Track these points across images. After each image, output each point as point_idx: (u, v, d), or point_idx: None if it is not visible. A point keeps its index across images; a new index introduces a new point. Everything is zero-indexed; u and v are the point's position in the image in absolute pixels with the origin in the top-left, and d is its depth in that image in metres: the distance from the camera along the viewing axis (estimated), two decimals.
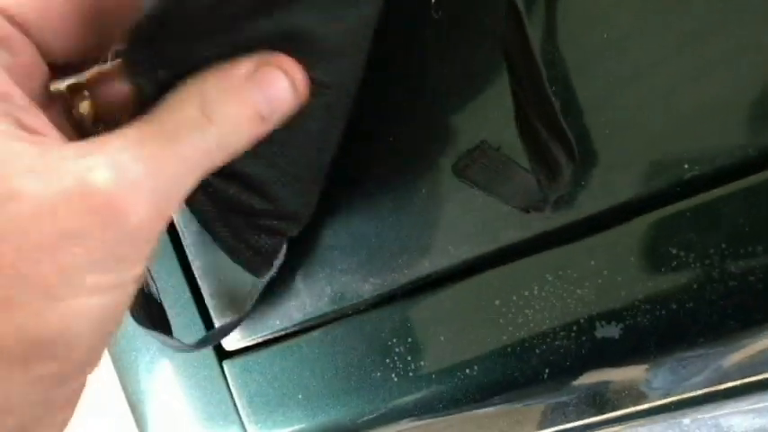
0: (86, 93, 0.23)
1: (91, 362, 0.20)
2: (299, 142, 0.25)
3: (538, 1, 0.26)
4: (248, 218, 0.26)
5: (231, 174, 0.24)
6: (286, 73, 0.22)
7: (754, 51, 0.23)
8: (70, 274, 0.18)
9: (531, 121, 0.25)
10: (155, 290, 0.34)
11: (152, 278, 0.34)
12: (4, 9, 0.20)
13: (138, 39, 0.21)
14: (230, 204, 0.26)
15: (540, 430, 0.32)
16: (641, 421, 0.31)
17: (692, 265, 0.25)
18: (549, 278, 0.27)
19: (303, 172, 0.26)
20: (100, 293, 0.19)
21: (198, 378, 0.37)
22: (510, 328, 0.28)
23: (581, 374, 0.28)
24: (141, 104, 0.21)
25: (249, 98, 0.21)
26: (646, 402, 0.29)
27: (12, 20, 0.20)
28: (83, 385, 0.22)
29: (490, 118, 0.27)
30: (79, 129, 0.23)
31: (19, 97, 0.19)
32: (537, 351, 0.28)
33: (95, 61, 0.23)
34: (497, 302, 0.28)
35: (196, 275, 0.36)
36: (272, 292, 0.33)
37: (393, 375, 0.31)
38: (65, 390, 0.20)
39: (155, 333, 0.32)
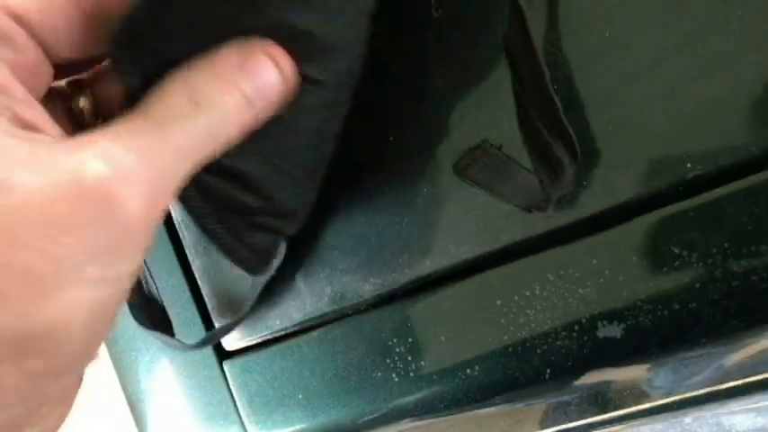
0: (86, 89, 0.23)
1: (85, 357, 0.20)
2: (294, 139, 0.25)
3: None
4: (243, 216, 0.26)
5: (225, 171, 0.24)
6: (273, 59, 0.22)
7: (757, 50, 0.23)
8: (63, 266, 0.17)
9: (532, 121, 0.25)
10: (155, 290, 0.34)
11: (152, 278, 0.34)
12: (9, 8, 0.20)
13: (123, 36, 0.21)
14: (225, 202, 0.25)
15: (541, 430, 0.32)
16: (643, 420, 0.31)
17: (695, 265, 0.25)
18: (551, 278, 0.27)
19: (299, 169, 0.26)
20: (94, 286, 0.18)
21: (198, 378, 0.37)
22: (511, 328, 0.28)
23: (583, 374, 0.28)
24: (131, 101, 0.21)
25: (235, 84, 0.21)
26: (648, 402, 0.29)
27: (18, 20, 0.20)
28: (79, 380, 0.21)
29: (491, 117, 0.27)
30: (80, 126, 0.23)
31: (19, 92, 0.19)
32: (538, 351, 0.28)
33: (100, 61, 0.23)
34: (498, 302, 0.28)
35: (196, 275, 0.36)
36: (273, 292, 0.33)
37: (394, 375, 0.31)
38: (58, 385, 0.19)
39: (156, 333, 0.32)
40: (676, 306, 0.25)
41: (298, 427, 0.34)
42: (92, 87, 0.24)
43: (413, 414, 0.31)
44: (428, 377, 0.30)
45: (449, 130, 0.28)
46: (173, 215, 0.36)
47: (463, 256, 0.29)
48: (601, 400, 0.29)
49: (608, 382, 0.29)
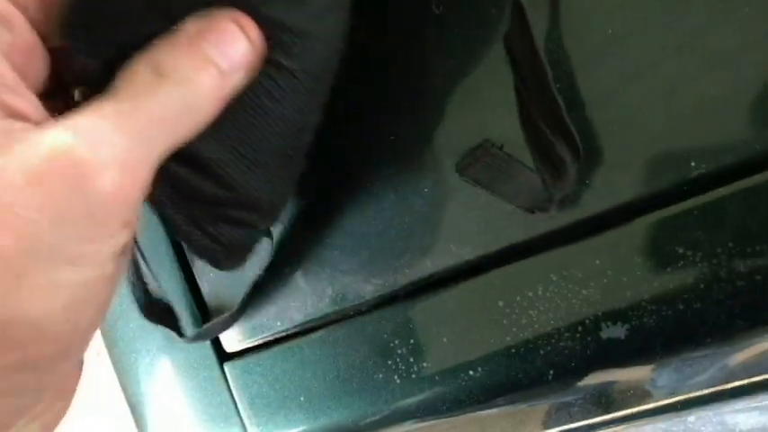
0: None
1: (72, 347, 0.19)
2: (259, 126, 0.24)
3: None
4: (205, 205, 0.25)
5: (186, 157, 0.23)
6: (237, 23, 0.21)
7: (762, 48, 0.23)
8: (36, 245, 0.17)
9: (534, 120, 0.25)
10: (154, 286, 0.34)
11: (150, 271, 0.34)
12: None
13: (75, 16, 0.21)
14: (186, 190, 0.24)
15: (544, 430, 0.32)
16: (646, 420, 0.30)
17: (699, 265, 0.25)
18: (554, 278, 0.27)
19: (266, 159, 0.25)
20: (73, 268, 0.18)
21: (199, 380, 0.36)
22: (514, 329, 0.28)
23: (586, 375, 0.28)
24: (93, 85, 0.21)
25: (202, 52, 0.20)
26: (651, 402, 0.29)
27: (15, 2, 0.20)
28: (77, 374, 0.21)
29: (493, 116, 0.27)
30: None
31: (9, 78, 0.19)
32: (541, 352, 0.27)
33: None
34: (501, 303, 0.28)
35: (195, 275, 0.36)
36: (273, 293, 0.33)
37: (395, 377, 0.31)
38: (46, 378, 0.19)
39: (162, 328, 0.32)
40: (681, 306, 0.25)
41: (299, 428, 0.34)
42: None
43: (415, 416, 0.31)
44: (430, 378, 0.30)
45: (450, 130, 0.28)
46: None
47: (465, 256, 0.28)
48: (604, 400, 0.29)
49: (612, 383, 0.28)
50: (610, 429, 0.31)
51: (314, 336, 0.33)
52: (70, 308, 0.18)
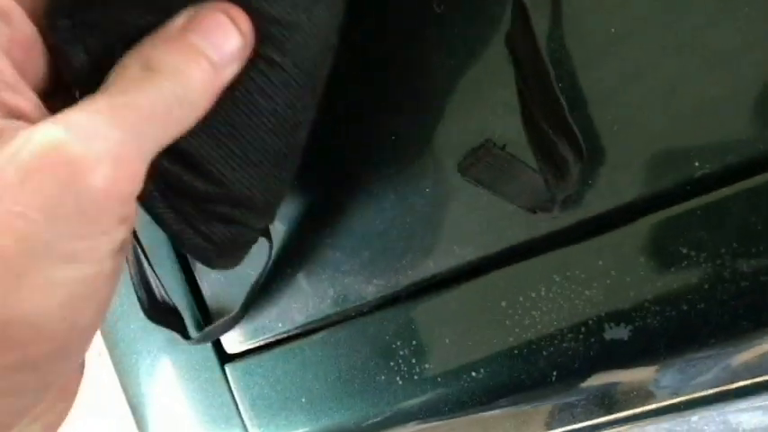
0: None
1: (70, 345, 0.19)
2: (251, 122, 0.23)
3: None
4: (196, 202, 0.25)
5: (178, 153, 0.23)
6: (228, 14, 0.21)
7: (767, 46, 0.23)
8: (32, 244, 0.16)
9: (537, 119, 0.24)
10: (156, 287, 0.34)
11: (154, 272, 0.34)
12: None
13: (58, 6, 0.20)
14: (178, 187, 0.24)
15: (547, 431, 0.32)
16: (650, 421, 0.30)
17: (703, 265, 0.25)
18: (557, 279, 0.27)
19: (259, 156, 0.24)
20: (70, 265, 0.17)
21: (200, 381, 0.36)
22: (516, 330, 0.28)
23: (589, 376, 0.27)
24: (81, 78, 0.21)
25: (193, 45, 0.20)
26: (654, 402, 0.29)
27: None
28: (79, 374, 0.21)
29: (495, 116, 0.27)
30: None
31: (8, 74, 0.19)
32: (544, 353, 0.27)
33: None
34: (503, 304, 0.28)
35: (196, 276, 0.35)
36: (274, 294, 0.33)
37: (398, 378, 0.30)
38: (46, 378, 0.18)
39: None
40: (684, 307, 0.25)
41: (300, 430, 0.34)
42: None
43: (417, 417, 0.31)
44: (433, 380, 0.30)
45: (452, 130, 0.28)
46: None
47: (467, 256, 0.28)
48: (607, 401, 0.29)
49: (615, 384, 0.28)
50: (613, 430, 0.31)
51: (315, 337, 0.33)
52: (67, 306, 0.18)
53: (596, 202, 0.26)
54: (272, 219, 0.28)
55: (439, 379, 0.30)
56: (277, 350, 0.34)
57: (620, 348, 0.26)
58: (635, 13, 0.24)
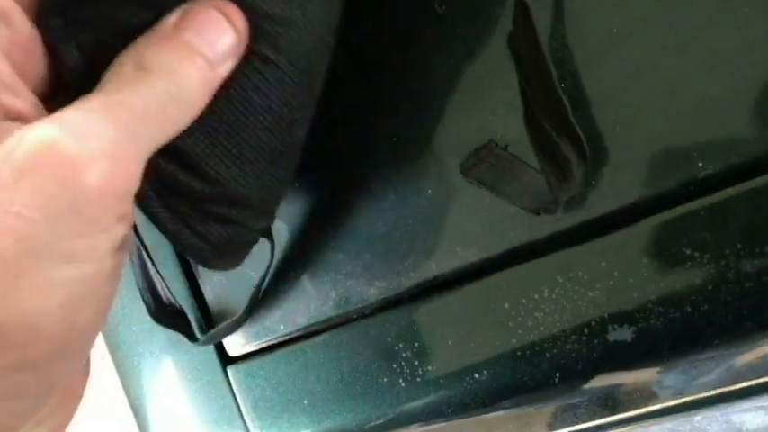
0: None
1: (70, 346, 0.19)
2: (244, 120, 0.23)
3: None
4: (193, 202, 0.24)
5: (173, 152, 0.23)
6: (222, 11, 0.21)
7: None
8: (31, 244, 0.16)
9: (539, 120, 0.24)
10: (161, 289, 0.34)
11: (159, 274, 0.33)
12: None
13: (49, 5, 0.20)
14: (174, 186, 0.24)
15: (550, 431, 0.32)
16: (653, 421, 0.30)
17: (707, 266, 0.24)
18: (560, 280, 0.27)
19: (255, 154, 0.24)
20: (69, 264, 0.17)
21: (202, 383, 0.36)
22: (519, 332, 0.28)
23: (593, 378, 0.27)
24: (76, 77, 0.21)
25: (185, 42, 0.20)
26: (657, 403, 0.29)
27: None
28: (84, 376, 0.20)
29: (497, 116, 0.27)
30: None
31: (6, 75, 0.19)
32: (547, 355, 0.27)
33: None
34: (506, 305, 0.28)
35: (198, 278, 0.35)
36: (277, 297, 0.33)
37: (400, 380, 0.30)
38: (48, 379, 0.18)
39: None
40: (688, 308, 0.25)
41: None
42: None
43: (420, 419, 0.31)
44: (435, 382, 0.30)
45: (454, 130, 0.28)
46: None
47: (470, 258, 0.28)
48: (610, 402, 0.29)
49: (618, 385, 0.28)
50: (616, 430, 0.31)
51: (317, 339, 0.33)
52: (67, 306, 0.18)
53: (599, 203, 0.26)
54: (271, 219, 0.28)
55: (441, 381, 0.30)
56: (279, 352, 0.34)
57: (623, 349, 0.26)
58: (637, 13, 0.24)
